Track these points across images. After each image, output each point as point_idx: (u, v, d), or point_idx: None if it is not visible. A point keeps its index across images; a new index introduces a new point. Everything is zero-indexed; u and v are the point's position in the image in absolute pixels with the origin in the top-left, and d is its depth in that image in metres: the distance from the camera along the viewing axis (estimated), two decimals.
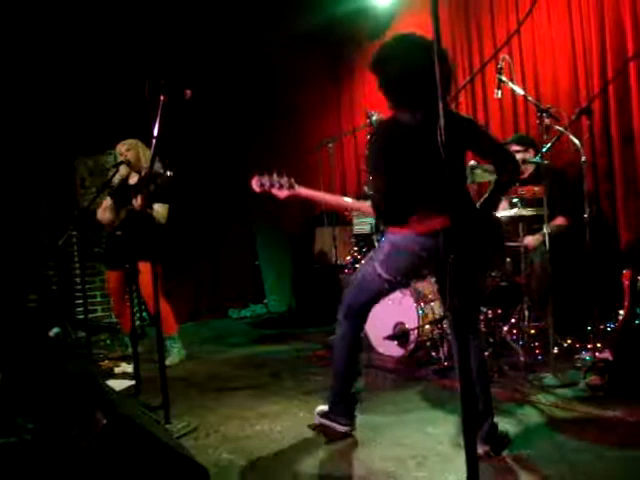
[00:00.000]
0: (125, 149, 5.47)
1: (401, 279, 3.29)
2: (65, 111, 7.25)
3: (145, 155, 5.41)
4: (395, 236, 3.20)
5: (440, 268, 3.12)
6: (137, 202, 5.28)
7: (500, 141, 3.38)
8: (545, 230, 4.25)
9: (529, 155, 5.11)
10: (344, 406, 3.46)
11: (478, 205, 3.21)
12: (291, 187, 3.63)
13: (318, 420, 3.56)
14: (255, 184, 3.66)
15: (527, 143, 5.19)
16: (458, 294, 2.00)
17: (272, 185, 3.63)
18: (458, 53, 6.31)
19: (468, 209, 3.16)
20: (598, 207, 5.00)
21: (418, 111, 3.09)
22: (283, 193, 3.63)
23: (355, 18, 7.25)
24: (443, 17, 6.09)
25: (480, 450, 2.93)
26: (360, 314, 3.43)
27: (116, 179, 5.43)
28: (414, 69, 2.98)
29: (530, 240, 4.79)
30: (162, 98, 3.67)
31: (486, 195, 3.24)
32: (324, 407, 3.55)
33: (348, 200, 4.01)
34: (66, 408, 2.59)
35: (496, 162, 3.26)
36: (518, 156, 5.12)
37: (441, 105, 1.92)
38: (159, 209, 5.28)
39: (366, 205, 3.54)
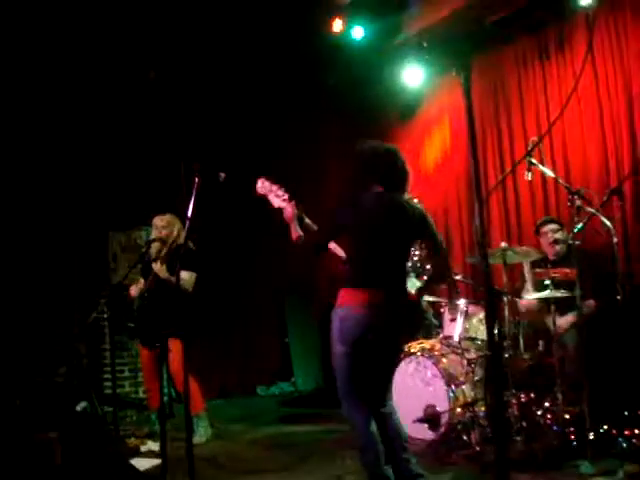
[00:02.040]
0: (161, 225, 5.55)
1: (356, 350, 3.45)
2: (99, 185, 7.41)
3: (180, 233, 5.48)
4: (342, 310, 3.48)
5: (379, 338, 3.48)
6: (157, 266, 5.36)
7: (441, 242, 3.75)
8: (577, 312, 4.19)
9: (561, 235, 5.10)
10: None
11: (415, 290, 3.74)
12: (288, 201, 3.82)
13: None
14: (259, 185, 3.90)
15: (560, 223, 5.19)
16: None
17: (271, 191, 3.86)
18: (487, 132, 6.39)
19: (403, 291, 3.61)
20: (632, 288, 4.94)
21: (385, 196, 3.63)
22: (277, 203, 3.84)
23: (387, 98, 7.38)
24: (473, 98, 6.19)
25: None
26: (358, 395, 3.50)
27: (149, 255, 5.51)
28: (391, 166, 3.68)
29: (562, 322, 4.73)
30: (196, 180, 3.75)
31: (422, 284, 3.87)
32: None
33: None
34: None
35: (434, 256, 3.81)
36: (557, 235, 5.11)
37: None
38: (185, 276, 5.28)
39: None
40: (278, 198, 3.83)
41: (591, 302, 4.83)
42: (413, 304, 3.67)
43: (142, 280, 5.57)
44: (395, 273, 3.59)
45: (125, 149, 7.39)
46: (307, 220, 3.85)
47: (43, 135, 6.99)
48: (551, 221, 5.22)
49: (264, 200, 3.88)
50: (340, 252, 3.78)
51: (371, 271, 3.52)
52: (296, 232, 3.76)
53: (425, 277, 6.39)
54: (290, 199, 3.83)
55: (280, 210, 3.82)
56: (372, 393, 3.58)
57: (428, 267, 6.66)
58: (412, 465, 3.53)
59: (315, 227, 3.84)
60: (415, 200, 6.74)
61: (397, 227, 3.58)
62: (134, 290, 5.60)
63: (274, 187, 3.87)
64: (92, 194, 7.41)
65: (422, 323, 3.97)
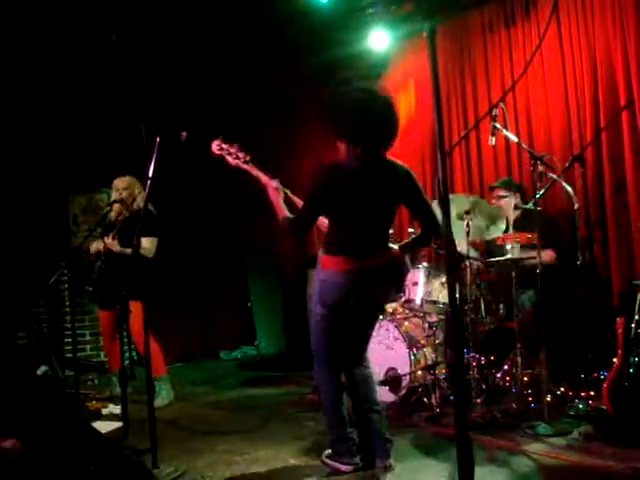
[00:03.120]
0: (122, 186, 5.48)
1: (336, 314, 3.41)
2: (59, 148, 7.28)
3: (140, 195, 5.42)
4: (324, 273, 3.42)
5: (360, 303, 3.43)
6: (109, 239, 5.33)
7: (429, 202, 3.54)
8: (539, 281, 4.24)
9: (515, 199, 5.15)
10: (345, 445, 3.50)
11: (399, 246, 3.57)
12: (246, 163, 3.74)
13: (323, 461, 3.60)
14: (215, 146, 3.82)
15: (513, 188, 5.24)
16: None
17: (230, 153, 3.78)
18: (452, 98, 6.38)
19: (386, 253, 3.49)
20: (591, 253, 5.02)
21: (364, 155, 3.39)
22: (235, 162, 3.76)
23: (352, 61, 7.33)
24: (438, 63, 6.17)
25: (380, 465, 3.47)
26: (330, 359, 3.51)
27: (110, 218, 5.44)
28: (371, 115, 3.36)
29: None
30: (158, 139, 3.69)
31: (405, 242, 3.67)
32: (330, 450, 3.60)
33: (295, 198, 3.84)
34: (53, 450, 2.55)
35: (423, 221, 3.56)
36: (505, 200, 5.16)
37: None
38: (146, 244, 5.22)
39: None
40: (238, 160, 3.77)
41: (550, 252, 4.90)
42: (396, 262, 3.53)
43: (101, 243, 5.49)
44: (379, 239, 3.48)
45: (86, 110, 7.25)
46: (289, 193, 3.70)
47: (3, 97, 6.81)
48: (503, 185, 5.27)
49: (227, 160, 3.81)
50: (324, 223, 3.61)
51: (354, 239, 3.40)
52: (282, 211, 3.55)
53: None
54: (247, 161, 3.75)
55: (262, 186, 3.71)
56: (349, 354, 3.59)
57: (390, 231, 6.72)
58: (379, 428, 3.56)
59: (297, 200, 3.69)
60: None
61: (381, 196, 3.43)
62: (94, 247, 5.53)
63: (232, 148, 3.79)
64: (52, 156, 7.28)
65: (404, 279, 3.85)
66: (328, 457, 3.58)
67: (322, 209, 3.45)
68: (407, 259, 3.68)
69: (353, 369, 3.62)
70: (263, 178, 3.70)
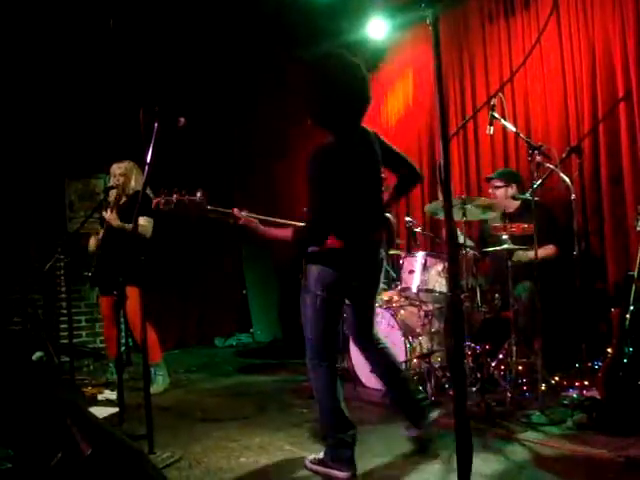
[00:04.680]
0: (119, 172, 5.48)
1: (336, 296, 3.37)
2: (56, 133, 7.27)
3: (137, 180, 5.41)
4: (326, 254, 3.31)
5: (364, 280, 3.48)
6: (108, 214, 5.34)
7: (403, 153, 3.62)
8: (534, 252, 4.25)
9: (512, 190, 5.17)
10: (345, 452, 3.32)
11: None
12: (238, 216, 3.57)
13: (311, 468, 3.41)
14: (161, 205, 3.51)
15: (510, 178, 5.25)
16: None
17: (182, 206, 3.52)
18: (450, 88, 6.36)
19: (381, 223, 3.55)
20: (587, 244, 5.03)
21: (350, 132, 3.35)
22: (196, 212, 3.55)
23: (349, 51, 7.29)
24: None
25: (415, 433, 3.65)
26: (327, 346, 3.42)
27: (106, 204, 5.44)
28: (349, 90, 3.29)
29: (521, 254, 4.78)
30: (156, 125, 3.68)
31: (390, 197, 3.66)
32: (315, 455, 3.45)
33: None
34: (50, 436, 2.55)
35: (403, 171, 3.63)
36: (500, 191, 5.18)
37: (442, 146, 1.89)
38: (143, 222, 5.23)
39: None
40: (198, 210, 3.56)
41: (550, 247, 4.91)
42: (389, 225, 3.64)
43: (101, 230, 5.51)
44: (378, 209, 3.49)
45: (83, 95, 7.23)
46: (259, 217, 3.57)
47: None
48: (500, 176, 5.28)
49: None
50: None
51: (359, 215, 3.35)
52: (282, 232, 3.46)
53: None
54: (235, 215, 3.57)
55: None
56: (360, 330, 3.67)
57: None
58: (414, 389, 3.78)
59: (269, 218, 3.61)
60: None
61: (371, 164, 3.41)
62: (93, 242, 5.54)
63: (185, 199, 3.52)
64: (48, 141, 7.27)
65: (395, 234, 3.85)
66: (316, 463, 3.41)
67: (331, 192, 3.25)
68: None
69: (369, 350, 3.70)
70: (240, 221, 3.57)
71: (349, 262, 3.33)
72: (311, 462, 3.43)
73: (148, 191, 5.24)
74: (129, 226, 4.87)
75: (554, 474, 3.22)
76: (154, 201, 3.56)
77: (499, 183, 5.23)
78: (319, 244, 3.32)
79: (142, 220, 5.20)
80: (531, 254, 4.43)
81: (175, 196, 3.51)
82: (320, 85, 3.32)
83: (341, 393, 3.42)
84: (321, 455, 3.41)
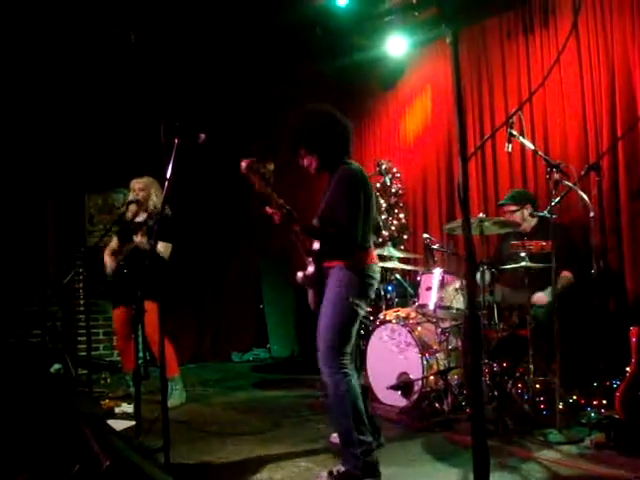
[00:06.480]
0: (139, 187, 5.53)
1: (364, 308, 3.61)
2: (77, 147, 7.35)
3: (157, 195, 5.46)
4: (366, 267, 3.56)
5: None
6: (138, 238, 5.38)
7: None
8: (553, 287, 4.24)
9: (527, 211, 5.15)
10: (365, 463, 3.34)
11: None
12: (268, 185, 3.68)
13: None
14: (245, 165, 3.60)
15: (522, 199, 5.24)
16: None
17: (256, 174, 3.63)
18: (469, 106, 6.36)
19: None
20: (605, 263, 5.00)
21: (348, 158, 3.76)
22: (258, 184, 3.64)
23: (369, 67, 7.36)
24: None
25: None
26: (346, 353, 3.48)
27: (126, 217, 5.49)
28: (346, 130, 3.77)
29: (541, 297, 4.79)
30: (176, 141, 3.71)
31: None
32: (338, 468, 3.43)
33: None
34: (68, 447, 2.57)
35: None
36: (517, 215, 5.16)
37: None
38: (162, 249, 5.31)
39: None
40: (262, 180, 3.63)
41: (566, 274, 4.89)
42: None
43: (115, 239, 5.56)
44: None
45: (104, 110, 7.31)
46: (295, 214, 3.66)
47: (21, 96, 6.89)
48: (512, 200, 5.26)
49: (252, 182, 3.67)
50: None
51: (369, 233, 3.65)
52: (314, 229, 3.68)
53: (402, 247, 6.45)
54: (269, 184, 3.66)
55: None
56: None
57: (405, 237, 6.74)
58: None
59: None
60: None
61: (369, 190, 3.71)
62: (108, 256, 5.57)
63: (260, 169, 3.64)
64: (69, 155, 7.35)
65: None
66: (337, 477, 3.39)
67: (362, 209, 3.54)
68: None
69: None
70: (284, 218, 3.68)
71: (376, 277, 3.61)
72: (329, 475, 3.42)
73: (167, 209, 5.31)
74: (159, 246, 5.20)
75: None
76: (244, 162, 3.60)
77: (513, 207, 5.22)
78: (349, 253, 3.51)
79: (161, 246, 5.29)
80: (548, 296, 4.47)
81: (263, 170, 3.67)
82: (334, 126, 3.75)
83: (362, 400, 3.50)
84: (342, 468, 3.39)
